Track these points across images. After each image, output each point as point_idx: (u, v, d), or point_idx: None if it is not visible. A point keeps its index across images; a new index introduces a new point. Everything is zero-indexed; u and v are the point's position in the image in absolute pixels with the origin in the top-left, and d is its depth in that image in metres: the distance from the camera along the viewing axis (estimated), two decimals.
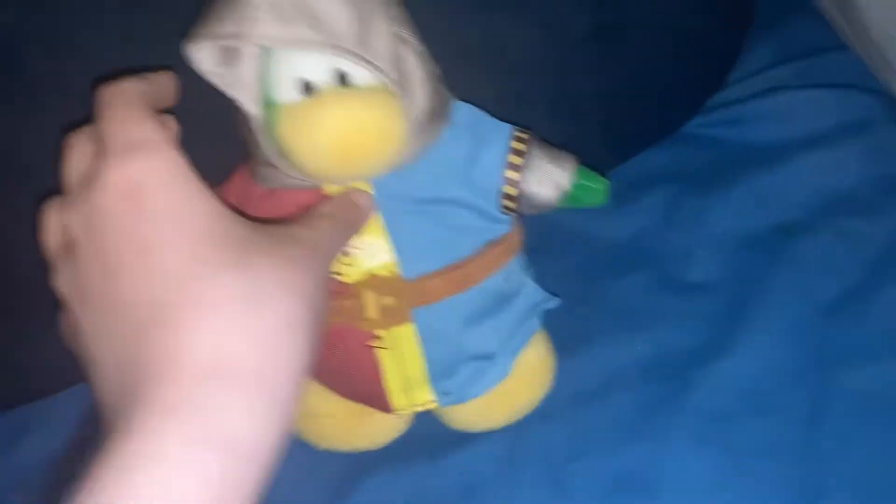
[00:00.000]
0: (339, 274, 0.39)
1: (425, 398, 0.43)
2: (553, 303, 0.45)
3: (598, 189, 0.40)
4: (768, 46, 0.57)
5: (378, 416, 0.45)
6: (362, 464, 0.46)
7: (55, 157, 0.33)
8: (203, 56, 0.34)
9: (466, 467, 0.45)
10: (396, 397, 0.42)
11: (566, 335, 0.47)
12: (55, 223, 0.32)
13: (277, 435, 0.26)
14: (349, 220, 0.36)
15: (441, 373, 0.42)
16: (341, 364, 0.42)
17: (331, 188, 0.38)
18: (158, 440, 0.24)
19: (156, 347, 0.25)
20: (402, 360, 0.41)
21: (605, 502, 0.42)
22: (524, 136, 0.40)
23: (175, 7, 0.37)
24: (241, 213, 0.31)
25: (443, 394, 0.43)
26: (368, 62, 0.33)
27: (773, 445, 0.42)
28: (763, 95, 0.55)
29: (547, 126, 0.49)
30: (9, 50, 0.42)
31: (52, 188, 0.33)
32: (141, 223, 0.27)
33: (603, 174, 0.41)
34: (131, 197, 0.27)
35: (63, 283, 0.30)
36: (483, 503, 0.44)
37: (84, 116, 0.32)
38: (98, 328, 0.28)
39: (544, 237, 0.47)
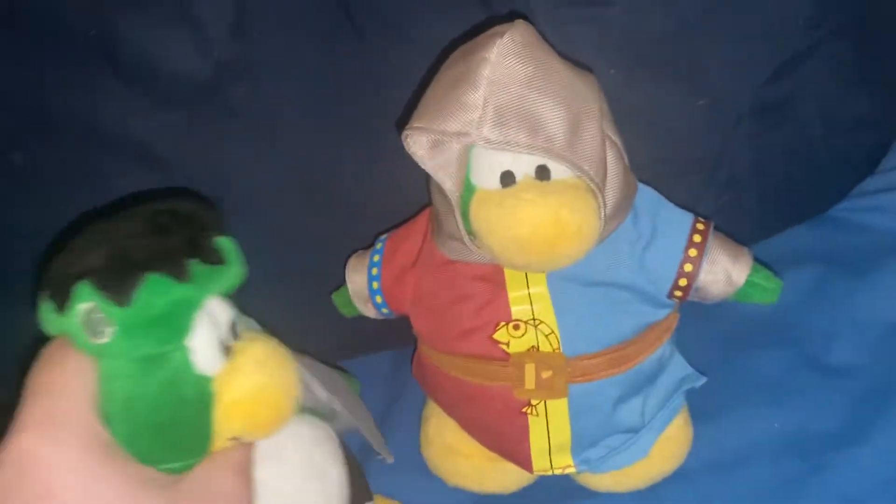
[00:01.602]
0: (504, 343, 0.41)
1: (565, 463, 0.44)
2: (699, 381, 0.45)
3: (770, 289, 0.41)
4: None
5: (510, 466, 0.46)
6: None
7: None
8: (417, 142, 0.35)
9: None
10: (538, 460, 0.44)
11: (705, 401, 0.47)
12: None
13: None
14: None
15: (585, 444, 0.43)
16: (491, 422, 0.44)
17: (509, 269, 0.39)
18: None
19: None
20: (551, 429, 0.42)
21: None
22: (704, 227, 0.41)
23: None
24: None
25: (582, 462, 0.44)
26: (576, 165, 0.34)
27: None
28: None
29: (700, 193, 0.50)
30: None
31: None
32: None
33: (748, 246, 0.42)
34: (29, 479, 0.26)
35: None
36: None
37: None
38: None
39: (690, 304, 0.47)
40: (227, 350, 0.31)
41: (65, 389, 0.27)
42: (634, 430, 0.43)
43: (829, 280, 0.52)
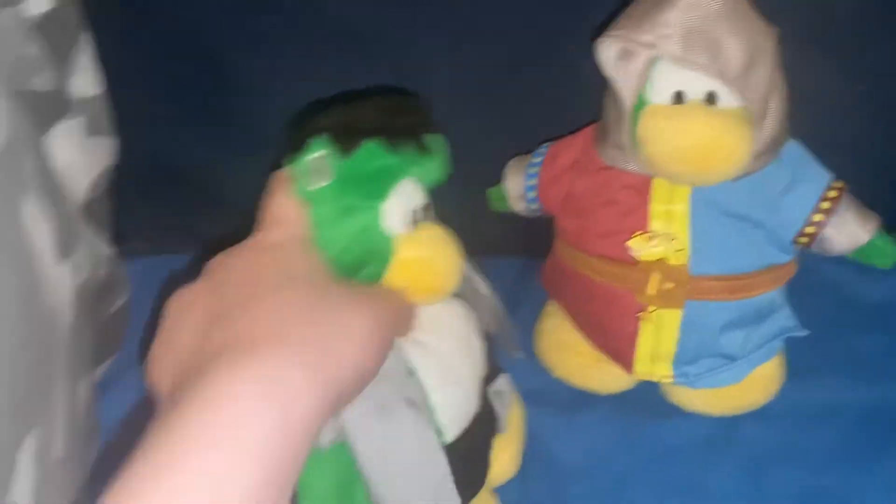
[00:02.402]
0: (637, 250, 0.46)
1: (664, 373, 0.49)
2: (801, 332, 0.49)
3: (890, 253, 0.45)
4: None
5: (613, 368, 0.51)
6: (584, 399, 0.53)
7: None
8: (609, 50, 0.41)
9: (671, 435, 0.51)
10: (641, 364, 0.49)
11: (800, 360, 0.51)
12: None
13: (322, 417, 0.27)
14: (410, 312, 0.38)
15: (686, 358, 0.48)
16: (607, 322, 0.49)
17: (659, 180, 0.45)
18: (228, 383, 0.26)
19: (221, 332, 0.28)
20: (659, 337, 0.48)
21: None
22: (839, 186, 0.45)
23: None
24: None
25: (680, 375, 0.49)
26: (743, 95, 0.39)
27: None
28: None
29: (845, 170, 0.53)
30: None
31: None
32: (263, 267, 0.32)
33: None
34: (265, 251, 0.33)
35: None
36: (675, 470, 0.49)
37: None
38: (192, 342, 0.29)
39: (805, 272, 0.51)
40: (411, 224, 0.37)
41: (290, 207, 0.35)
42: (732, 358, 0.48)
43: None
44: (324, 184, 0.35)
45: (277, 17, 0.56)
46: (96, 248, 0.51)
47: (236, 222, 0.63)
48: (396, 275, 0.37)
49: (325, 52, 0.56)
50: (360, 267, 0.36)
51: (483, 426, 0.43)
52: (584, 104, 0.50)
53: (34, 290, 0.36)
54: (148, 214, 0.66)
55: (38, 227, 0.39)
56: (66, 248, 0.43)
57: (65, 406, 0.38)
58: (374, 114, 0.36)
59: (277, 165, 0.60)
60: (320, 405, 0.27)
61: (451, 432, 0.40)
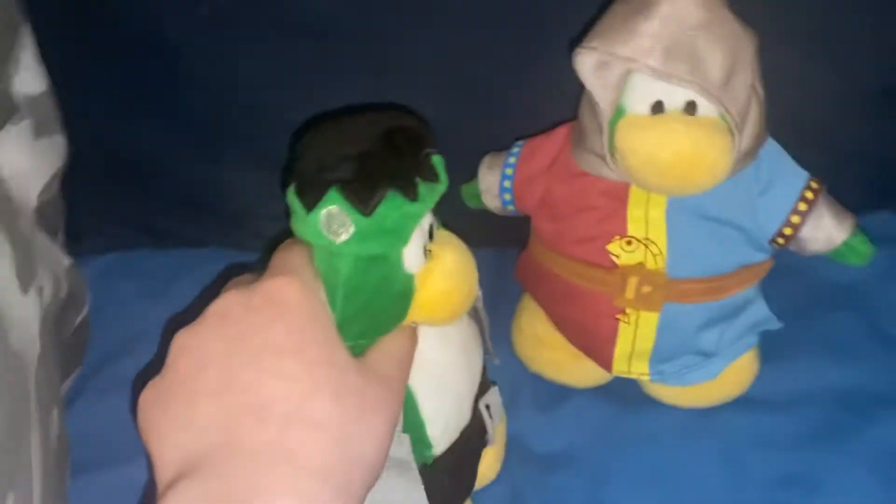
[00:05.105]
0: (615, 255, 0.46)
1: (641, 371, 0.49)
2: (775, 325, 0.50)
3: (864, 253, 0.45)
4: None
5: (590, 364, 0.51)
6: (561, 392, 0.53)
7: None
8: (586, 61, 0.39)
9: (649, 423, 0.52)
10: (618, 362, 0.49)
11: (772, 345, 0.52)
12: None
13: None
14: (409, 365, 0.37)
15: (662, 356, 0.48)
16: (585, 322, 0.49)
17: (635, 189, 0.44)
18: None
19: (254, 432, 0.28)
20: (637, 337, 0.48)
21: (770, 493, 0.48)
22: (816, 186, 0.45)
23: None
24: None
25: (656, 373, 0.49)
26: (723, 105, 0.38)
27: None
28: None
29: (808, 159, 0.53)
30: None
31: None
32: (280, 325, 0.31)
33: None
34: (275, 302, 0.31)
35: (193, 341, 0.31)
36: (654, 458, 0.50)
37: None
38: (203, 395, 0.29)
39: (779, 261, 0.50)
40: (426, 252, 0.36)
41: (303, 264, 0.34)
42: (708, 355, 0.48)
43: None
44: (341, 239, 0.33)
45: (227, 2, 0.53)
46: (55, 261, 0.49)
47: (193, 216, 0.63)
48: (416, 311, 0.36)
49: (284, 43, 0.54)
50: (385, 312, 0.35)
51: (472, 439, 0.43)
52: (562, 100, 0.49)
53: (1, 337, 0.34)
54: (102, 210, 0.63)
55: None
56: (27, 275, 0.41)
57: (39, 450, 0.37)
58: (383, 156, 0.34)
59: (233, 158, 0.59)
60: None
61: (441, 445, 0.40)
